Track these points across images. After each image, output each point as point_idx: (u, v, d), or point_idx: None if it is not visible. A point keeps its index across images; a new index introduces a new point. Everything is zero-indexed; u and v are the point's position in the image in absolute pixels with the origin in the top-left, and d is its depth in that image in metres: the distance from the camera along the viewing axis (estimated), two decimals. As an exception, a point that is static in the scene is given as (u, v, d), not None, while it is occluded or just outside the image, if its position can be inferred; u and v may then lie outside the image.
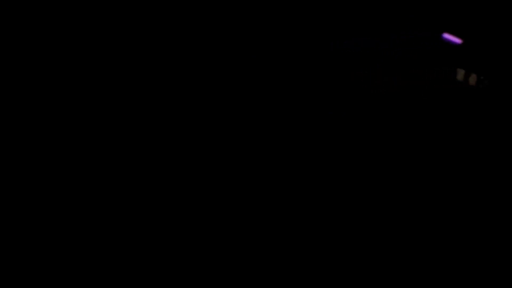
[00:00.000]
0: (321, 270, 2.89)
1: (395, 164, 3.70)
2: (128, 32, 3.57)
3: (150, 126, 3.72)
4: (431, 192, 3.54)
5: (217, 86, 3.94)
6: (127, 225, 3.31)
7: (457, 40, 3.26)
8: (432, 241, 3.25)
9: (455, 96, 3.64)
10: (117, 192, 3.50)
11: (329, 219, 3.53)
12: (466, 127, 3.57)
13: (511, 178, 3.35)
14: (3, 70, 3.16)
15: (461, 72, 3.30)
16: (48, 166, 3.32)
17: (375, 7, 3.30)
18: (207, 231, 3.35)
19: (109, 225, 3.26)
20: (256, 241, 3.24)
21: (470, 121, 3.56)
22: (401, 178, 3.66)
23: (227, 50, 3.93)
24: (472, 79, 3.33)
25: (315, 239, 3.31)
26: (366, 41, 3.69)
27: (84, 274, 2.63)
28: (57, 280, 2.56)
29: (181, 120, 3.80)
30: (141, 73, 3.70)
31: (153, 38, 3.70)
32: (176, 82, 3.83)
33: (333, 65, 3.92)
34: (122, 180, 3.56)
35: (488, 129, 3.49)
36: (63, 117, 3.42)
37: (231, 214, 3.56)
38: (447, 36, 3.23)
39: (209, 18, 3.62)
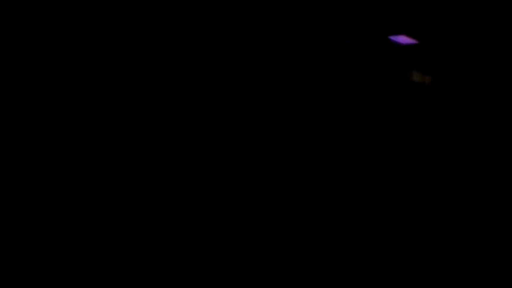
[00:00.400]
0: (321, 269, 2.90)
1: (394, 163, 3.71)
2: (129, 33, 3.57)
3: (151, 126, 3.72)
4: (430, 190, 3.54)
5: (217, 86, 3.94)
6: (127, 225, 3.31)
7: (411, 41, 3.31)
8: (428, 237, 3.26)
9: (454, 96, 3.64)
10: (117, 192, 3.51)
11: (329, 217, 3.53)
12: (466, 126, 3.58)
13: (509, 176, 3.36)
14: (3, 70, 3.16)
15: (416, 72, 3.35)
16: (48, 166, 3.32)
17: (375, 8, 3.31)
18: (207, 231, 3.35)
19: (109, 225, 3.26)
20: (256, 241, 3.25)
21: (470, 121, 3.57)
22: (400, 177, 3.66)
23: (227, 51, 3.93)
24: (427, 79, 3.38)
25: (315, 238, 3.31)
26: (366, 41, 3.70)
27: (84, 274, 2.64)
28: (57, 280, 2.57)
29: (182, 119, 3.80)
30: (142, 74, 3.71)
31: (152, 39, 3.71)
32: (179, 83, 3.83)
33: (333, 65, 3.92)
34: (122, 180, 3.56)
35: (488, 129, 3.50)
36: (63, 117, 3.43)
37: (231, 213, 3.57)
38: (400, 38, 3.27)
39: (209, 20, 3.62)
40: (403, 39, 3.24)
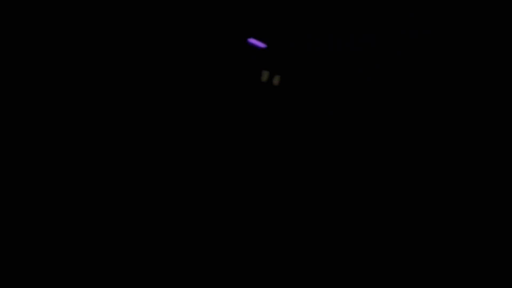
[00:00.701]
0: (321, 269, 2.90)
1: (394, 163, 3.70)
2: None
3: (148, 125, 3.72)
4: (430, 190, 3.54)
5: (216, 86, 3.94)
6: (127, 225, 3.31)
7: (261, 44, 3.41)
8: (424, 235, 3.26)
9: (449, 96, 3.64)
10: (116, 192, 3.51)
11: (329, 217, 3.53)
12: (467, 127, 3.57)
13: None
14: (3, 70, 3.16)
15: (266, 73, 3.46)
16: (48, 166, 3.32)
17: (375, 7, 3.31)
18: (207, 231, 3.35)
19: (109, 225, 3.26)
20: (255, 241, 3.25)
21: (471, 120, 3.56)
22: (399, 177, 3.66)
23: (225, 51, 3.93)
24: (276, 80, 3.52)
25: (314, 238, 3.31)
26: (366, 41, 3.70)
27: (84, 274, 2.64)
28: (57, 280, 2.57)
29: (181, 119, 3.80)
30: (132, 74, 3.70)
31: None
32: (175, 83, 3.83)
33: (333, 65, 3.92)
34: (121, 180, 3.56)
35: (486, 129, 3.50)
36: (63, 117, 3.42)
37: (231, 214, 3.57)
38: (252, 40, 3.38)
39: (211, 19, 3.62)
40: (259, 43, 3.37)
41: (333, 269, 2.88)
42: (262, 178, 3.77)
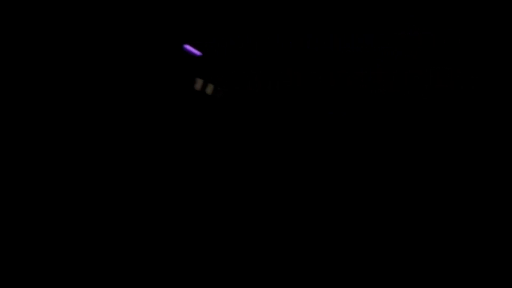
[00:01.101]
0: (320, 269, 2.89)
1: (393, 163, 3.70)
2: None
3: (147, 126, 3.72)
4: (430, 189, 3.54)
5: (219, 85, 3.93)
6: (127, 225, 3.31)
7: (197, 52, 3.43)
8: (422, 234, 3.26)
9: (449, 96, 3.64)
10: (116, 192, 3.50)
11: (329, 217, 3.53)
12: (464, 127, 3.57)
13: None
14: (3, 70, 3.16)
15: (200, 81, 3.50)
16: (48, 166, 3.32)
17: (375, 7, 3.31)
18: (206, 231, 3.35)
19: (109, 225, 3.26)
20: (255, 241, 3.25)
21: (472, 122, 3.56)
22: (399, 177, 3.66)
23: (232, 51, 3.93)
24: (209, 89, 3.59)
25: (314, 238, 3.31)
26: (366, 41, 3.70)
27: (84, 274, 2.64)
28: (57, 280, 2.56)
29: (180, 120, 3.80)
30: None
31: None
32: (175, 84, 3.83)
33: (333, 65, 3.92)
34: (120, 180, 3.56)
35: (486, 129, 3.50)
36: (63, 117, 3.42)
37: (231, 214, 3.56)
38: (188, 47, 3.40)
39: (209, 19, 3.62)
40: (195, 50, 3.39)
41: (333, 268, 2.87)
42: (258, 178, 3.77)
